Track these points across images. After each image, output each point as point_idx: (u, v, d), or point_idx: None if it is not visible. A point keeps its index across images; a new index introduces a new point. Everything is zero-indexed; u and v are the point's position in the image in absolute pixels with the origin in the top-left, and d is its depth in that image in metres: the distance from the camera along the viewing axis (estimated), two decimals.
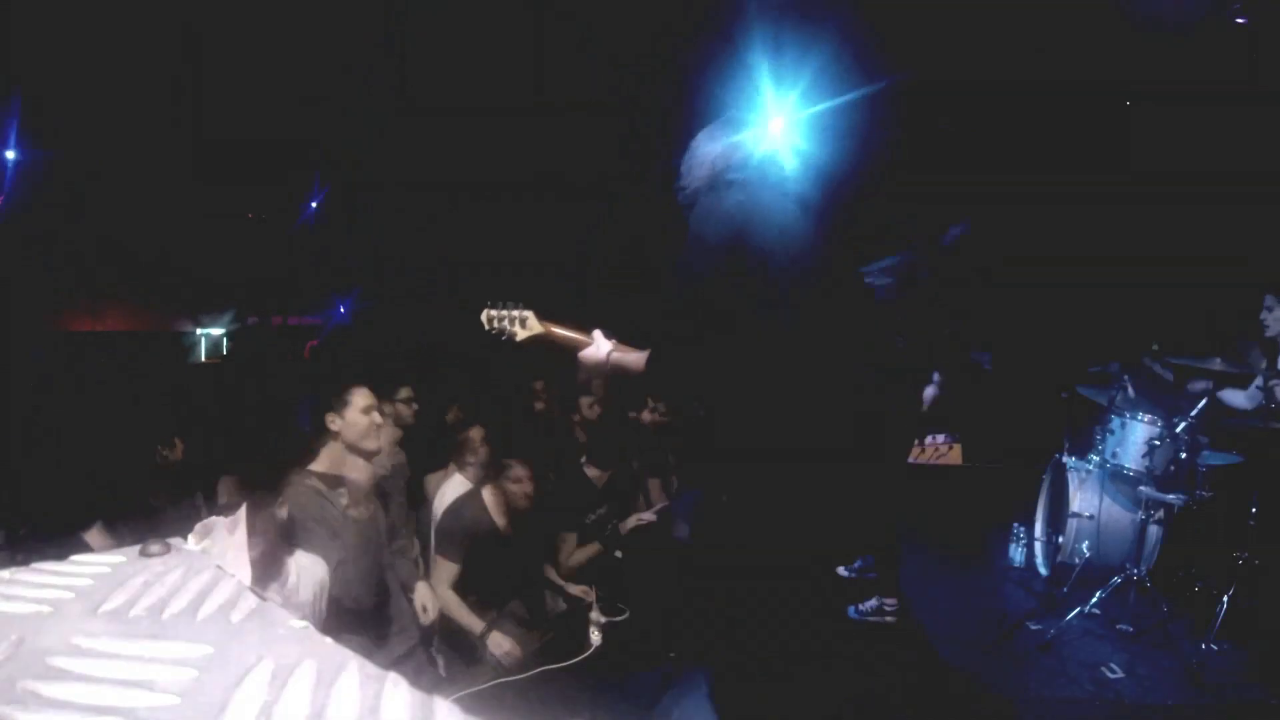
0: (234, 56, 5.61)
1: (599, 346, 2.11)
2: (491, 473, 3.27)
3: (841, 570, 4.12)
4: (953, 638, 3.45)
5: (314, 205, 8.54)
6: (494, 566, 3.16)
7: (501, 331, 2.25)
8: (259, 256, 9.01)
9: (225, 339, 10.83)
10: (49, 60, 5.33)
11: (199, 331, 10.75)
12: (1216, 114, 4.90)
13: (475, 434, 3.50)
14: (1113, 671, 3.06)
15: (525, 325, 2.24)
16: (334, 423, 2.66)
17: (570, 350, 2.19)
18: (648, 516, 3.98)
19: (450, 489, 3.41)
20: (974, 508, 5.11)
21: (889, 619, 3.63)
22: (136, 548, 0.73)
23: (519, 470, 3.28)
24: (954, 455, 5.09)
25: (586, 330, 2.20)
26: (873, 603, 3.68)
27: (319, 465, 2.63)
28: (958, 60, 4.73)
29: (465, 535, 3.05)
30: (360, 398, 2.69)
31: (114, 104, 6.01)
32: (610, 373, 2.08)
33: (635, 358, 2.02)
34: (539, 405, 4.59)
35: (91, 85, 5.69)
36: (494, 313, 2.28)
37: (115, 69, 5.53)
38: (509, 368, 5.29)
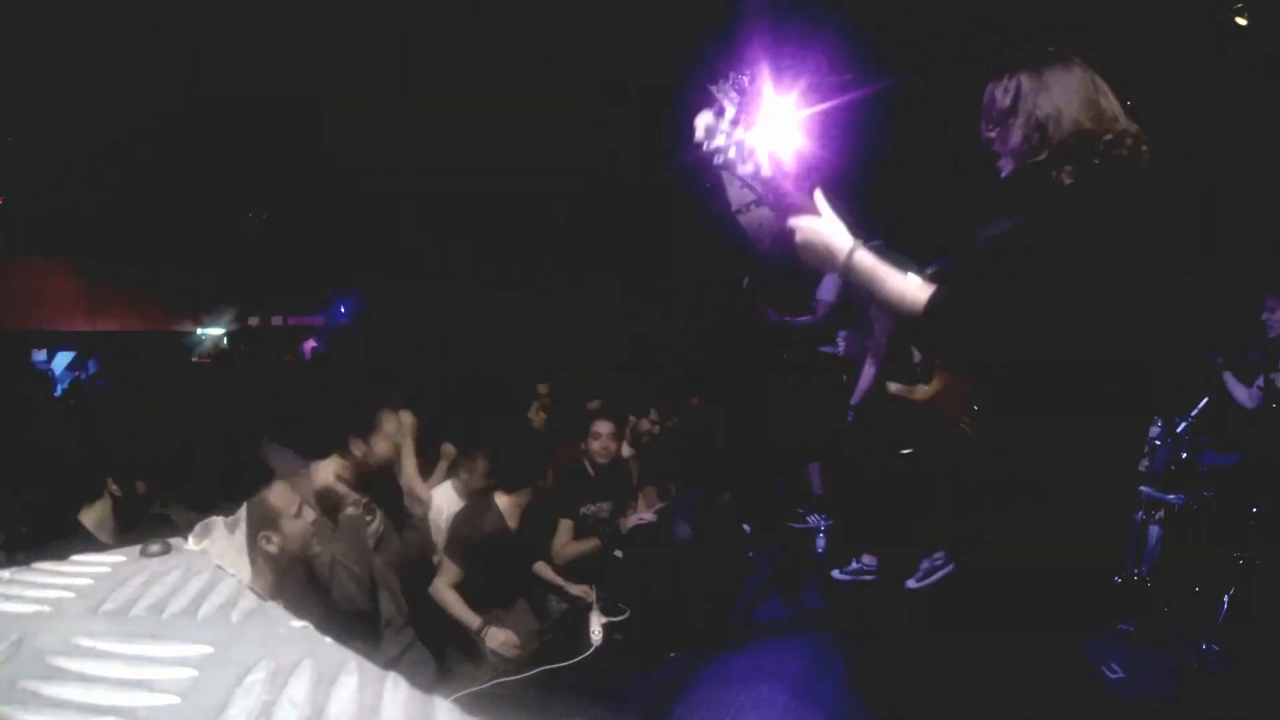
0: (233, 52, 5.59)
1: (831, 229, 1.40)
2: (492, 484, 3.22)
3: (836, 574, 4.12)
4: None
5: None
6: (502, 568, 3.15)
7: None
8: (259, 256, 9.00)
9: (225, 339, 10.82)
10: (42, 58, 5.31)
11: (199, 331, 10.74)
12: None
13: (479, 455, 3.46)
14: (1113, 671, 3.06)
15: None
16: (358, 448, 2.57)
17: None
18: (648, 516, 3.97)
19: (443, 497, 3.39)
20: None
21: (870, 577, 4.00)
22: (137, 548, 0.73)
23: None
24: None
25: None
26: (854, 564, 4.06)
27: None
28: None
29: (481, 540, 3.04)
30: (389, 423, 2.67)
31: (110, 100, 6.00)
32: (844, 276, 1.39)
33: (899, 283, 1.35)
34: (539, 414, 4.51)
35: (89, 81, 5.68)
36: None
37: (109, 63, 5.51)
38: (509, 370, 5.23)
